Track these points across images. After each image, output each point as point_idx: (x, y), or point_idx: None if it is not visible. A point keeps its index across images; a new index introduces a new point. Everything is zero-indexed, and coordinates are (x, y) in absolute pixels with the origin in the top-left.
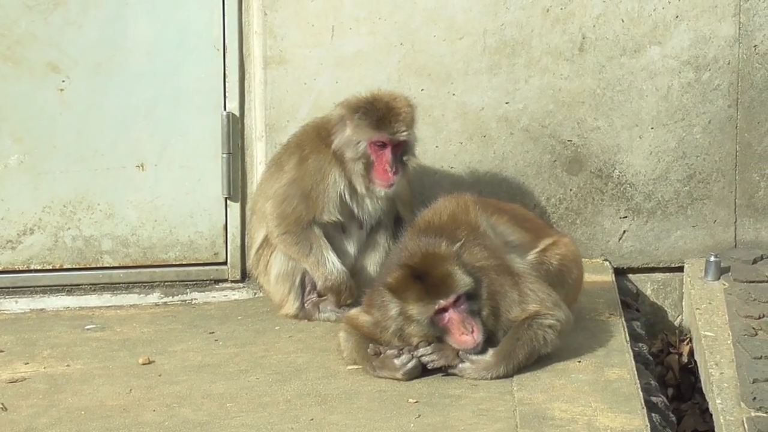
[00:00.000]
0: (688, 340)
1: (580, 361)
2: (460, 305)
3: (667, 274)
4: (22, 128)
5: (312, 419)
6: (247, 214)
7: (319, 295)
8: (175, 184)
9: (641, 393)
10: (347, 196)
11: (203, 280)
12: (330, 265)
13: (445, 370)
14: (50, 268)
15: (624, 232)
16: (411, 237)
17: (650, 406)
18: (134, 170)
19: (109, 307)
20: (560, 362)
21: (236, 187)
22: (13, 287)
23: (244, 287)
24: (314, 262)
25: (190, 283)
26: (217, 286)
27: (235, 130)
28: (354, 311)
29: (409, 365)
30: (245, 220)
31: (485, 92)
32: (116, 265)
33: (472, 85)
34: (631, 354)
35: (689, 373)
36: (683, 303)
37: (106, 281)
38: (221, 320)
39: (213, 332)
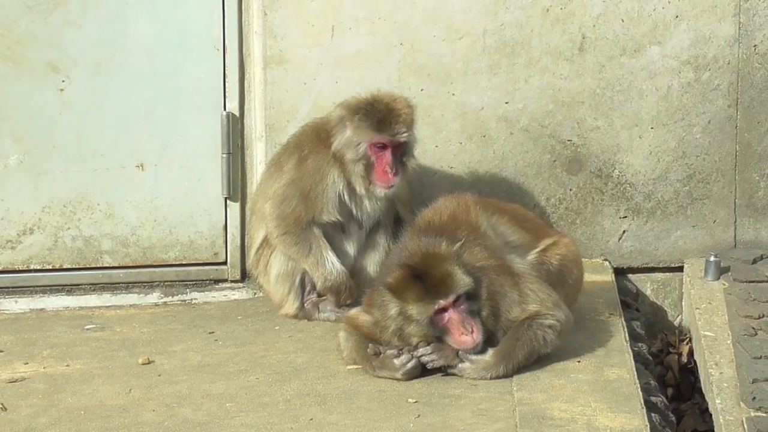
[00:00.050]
0: (687, 340)
1: (579, 361)
2: (459, 305)
3: (667, 274)
4: (22, 128)
5: (311, 419)
6: (246, 214)
7: (319, 295)
8: (174, 184)
9: (641, 393)
10: (346, 197)
11: (203, 280)
12: (329, 266)
13: (444, 370)
14: (50, 268)
15: (624, 232)
16: (411, 237)
17: (650, 406)
18: (134, 170)
19: (108, 307)
20: (560, 362)
21: (236, 187)
22: (12, 287)
23: (243, 287)
24: (314, 263)
25: (190, 283)
26: (216, 286)
27: (234, 130)
28: (354, 311)
29: (409, 365)
30: (245, 220)
31: (485, 92)
32: (116, 265)
33: (471, 85)
34: (631, 354)
35: (689, 373)
36: (683, 303)
37: (106, 281)
38: (221, 320)
39: (213, 332)
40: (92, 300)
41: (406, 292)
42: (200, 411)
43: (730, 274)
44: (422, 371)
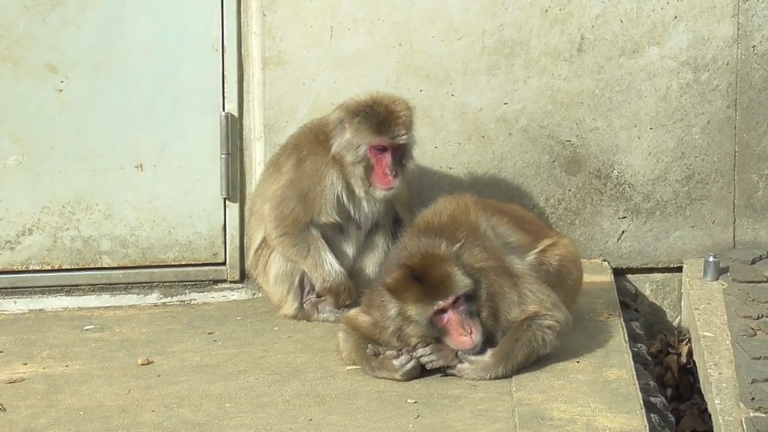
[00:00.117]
0: (686, 340)
1: (578, 362)
2: (459, 306)
3: (666, 274)
4: (21, 129)
5: (311, 420)
6: (245, 214)
7: (318, 296)
8: (173, 184)
9: (640, 393)
10: (345, 198)
11: (202, 281)
12: (328, 267)
13: (443, 371)
14: (49, 268)
15: (623, 232)
16: (410, 237)
17: (649, 407)
18: (133, 171)
19: (108, 307)
20: (559, 362)
21: (235, 187)
22: (11, 288)
23: (243, 288)
24: (312, 264)
25: (189, 283)
26: (215, 287)
27: (233, 130)
28: (353, 311)
29: (408, 366)
30: (244, 220)
31: (484, 93)
32: (115, 265)
33: (470, 85)
34: (630, 354)
35: (688, 373)
36: (682, 303)
37: (105, 282)
38: (220, 321)
39: (212, 333)
40: (91, 300)
41: (406, 293)
42: (199, 411)
43: (729, 274)
44: (421, 372)
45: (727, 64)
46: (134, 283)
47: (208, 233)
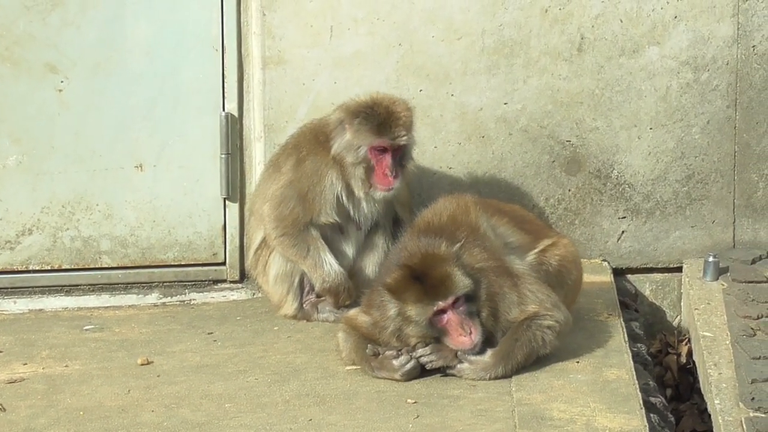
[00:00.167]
0: (686, 340)
1: (578, 362)
2: (458, 306)
3: (666, 274)
4: (21, 129)
5: (310, 420)
6: (245, 214)
7: (318, 296)
8: (173, 184)
9: (640, 393)
10: (344, 198)
11: (202, 281)
12: (327, 267)
13: (443, 371)
14: (49, 268)
15: (623, 232)
16: (411, 237)
17: (649, 407)
18: (133, 171)
19: (107, 307)
20: (559, 362)
21: (235, 187)
22: (11, 288)
23: (242, 288)
24: (312, 264)
25: (189, 283)
26: (215, 287)
27: (233, 130)
28: (353, 311)
29: (408, 366)
30: (244, 220)
31: (484, 93)
32: (115, 265)
33: (470, 85)
34: (630, 354)
35: (688, 373)
36: (682, 303)
37: (105, 282)
38: (220, 321)
39: (212, 333)
40: (91, 300)
41: (405, 293)
42: (199, 411)
43: (728, 274)
44: (421, 372)
45: (727, 63)
46: (134, 283)
47: (208, 233)
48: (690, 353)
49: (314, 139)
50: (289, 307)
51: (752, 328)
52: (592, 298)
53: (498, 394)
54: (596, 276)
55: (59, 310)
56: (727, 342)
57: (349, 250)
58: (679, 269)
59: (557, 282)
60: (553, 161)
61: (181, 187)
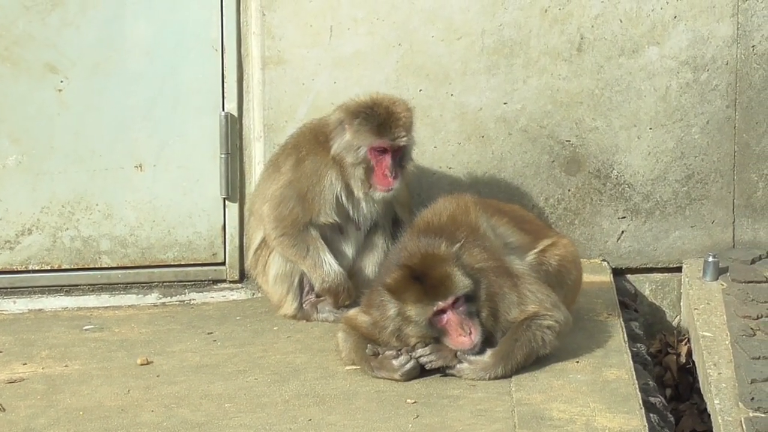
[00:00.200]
0: (686, 340)
1: (578, 362)
2: (458, 307)
3: (666, 274)
4: (20, 129)
5: (310, 420)
6: (245, 214)
7: (318, 296)
8: (173, 184)
9: (639, 393)
10: (344, 198)
11: (201, 281)
12: (327, 267)
13: (443, 371)
14: (48, 268)
15: (622, 232)
16: (410, 237)
17: (648, 407)
18: (132, 171)
19: (107, 307)
20: (558, 362)
21: (234, 187)
22: (11, 288)
23: (242, 288)
24: (311, 264)
25: (189, 283)
26: (215, 287)
27: (233, 130)
28: (353, 311)
29: (408, 366)
30: (243, 220)
31: (483, 92)
32: (114, 265)
33: (470, 85)
34: (630, 354)
35: (687, 373)
36: (681, 303)
37: (105, 282)
38: (219, 321)
39: (211, 333)
40: (91, 300)
41: (405, 293)
42: (199, 411)
43: (728, 274)
44: (421, 372)
45: (727, 63)
46: (134, 283)
47: (208, 233)
48: (689, 353)
49: (314, 139)
50: (289, 307)
51: (752, 328)
52: (591, 298)
53: (498, 394)
54: (596, 276)
55: (59, 310)
56: (727, 342)
57: (349, 250)
58: (678, 269)
59: (557, 282)
60: (553, 161)
61: (180, 187)
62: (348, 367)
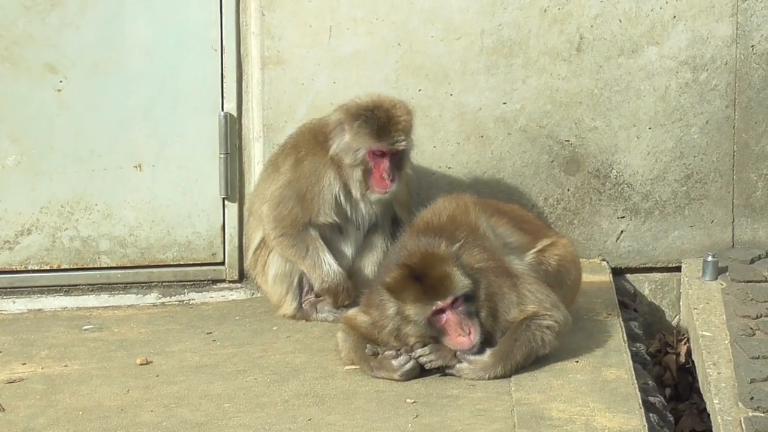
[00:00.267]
0: (685, 340)
1: (577, 361)
2: (457, 306)
3: (665, 274)
4: (20, 129)
5: (310, 419)
6: (244, 214)
7: (317, 296)
8: (172, 184)
9: (639, 393)
10: (342, 199)
11: (201, 281)
12: (326, 267)
13: (442, 371)
14: (48, 268)
15: (621, 232)
16: (410, 237)
17: (648, 406)
18: (132, 171)
19: (106, 307)
20: (558, 362)
21: (234, 187)
22: (10, 287)
23: (241, 287)
24: (311, 264)
25: (188, 283)
26: (214, 287)
27: (232, 130)
28: (352, 311)
29: (407, 366)
30: (243, 220)
31: (483, 92)
32: (114, 265)
33: (469, 85)
34: (629, 354)
35: (687, 373)
36: (681, 303)
37: (104, 281)
38: (219, 320)
39: (211, 332)
40: (90, 300)
41: (404, 293)
42: (198, 411)
43: (728, 274)
44: (420, 371)
45: (726, 63)
46: (133, 283)
47: (207, 233)
48: (689, 353)
49: (313, 139)
50: (288, 306)
51: (751, 328)
52: (591, 297)
53: (497, 394)
54: (595, 276)
55: (58, 310)
56: (726, 341)
57: (348, 250)
58: (678, 269)
59: (556, 282)
60: (552, 161)
61: (180, 187)
62: (347, 367)
